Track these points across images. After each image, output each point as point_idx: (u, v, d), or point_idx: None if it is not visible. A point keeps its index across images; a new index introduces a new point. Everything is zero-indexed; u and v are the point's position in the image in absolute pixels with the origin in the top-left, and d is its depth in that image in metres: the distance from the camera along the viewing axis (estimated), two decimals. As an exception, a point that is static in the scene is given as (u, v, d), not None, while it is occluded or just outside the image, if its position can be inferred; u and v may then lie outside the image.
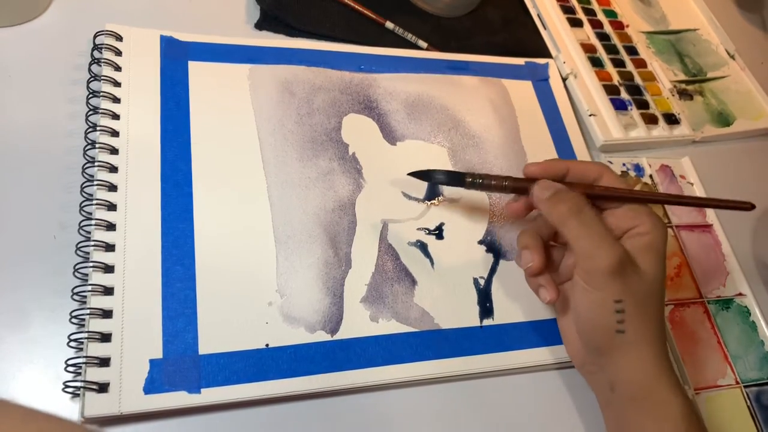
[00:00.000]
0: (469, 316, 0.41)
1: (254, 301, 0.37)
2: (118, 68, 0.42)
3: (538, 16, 0.60)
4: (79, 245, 0.36)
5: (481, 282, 0.43)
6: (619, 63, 0.60)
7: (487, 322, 0.42)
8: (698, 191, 0.55)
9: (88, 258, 0.35)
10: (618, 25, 0.64)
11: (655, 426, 0.35)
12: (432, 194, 0.45)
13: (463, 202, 0.46)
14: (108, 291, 0.35)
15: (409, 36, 0.54)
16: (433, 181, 0.43)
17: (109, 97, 0.41)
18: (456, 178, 0.40)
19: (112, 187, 0.38)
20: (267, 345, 0.36)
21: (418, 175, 0.42)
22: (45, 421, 0.26)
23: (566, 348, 0.41)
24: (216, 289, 0.37)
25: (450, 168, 0.47)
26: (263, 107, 0.44)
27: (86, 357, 0.33)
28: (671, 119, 0.58)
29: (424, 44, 0.54)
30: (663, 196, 0.38)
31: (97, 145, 0.39)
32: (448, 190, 0.46)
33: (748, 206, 0.39)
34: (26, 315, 0.35)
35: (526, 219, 0.42)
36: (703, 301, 0.49)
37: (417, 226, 0.44)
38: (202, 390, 0.34)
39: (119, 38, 0.43)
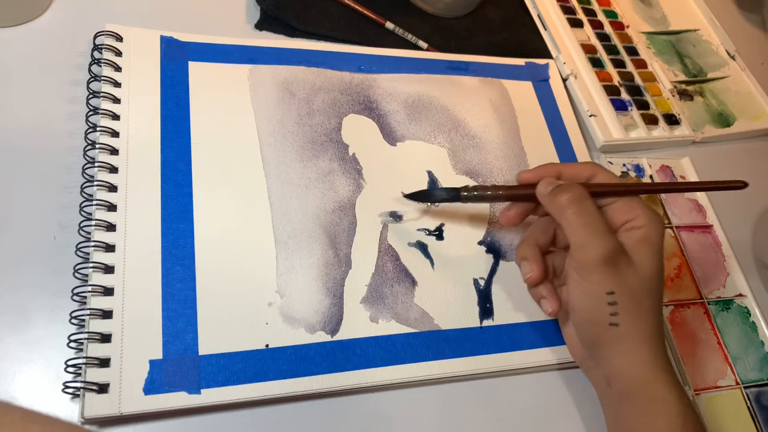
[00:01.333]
0: (469, 317, 0.41)
1: (254, 301, 0.37)
2: (118, 69, 0.42)
3: (539, 16, 0.60)
4: (79, 246, 0.36)
5: (481, 283, 0.43)
6: (619, 63, 0.60)
7: (487, 322, 0.42)
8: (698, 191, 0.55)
9: (88, 258, 0.35)
10: (618, 26, 0.64)
11: (650, 423, 0.35)
12: (432, 195, 0.45)
13: (463, 202, 0.46)
14: (108, 291, 0.35)
15: (410, 36, 0.54)
16: (431, 200, 0.43)
17: (110, 98, 0.41)
18: (452, 194, 0.41)
19: (112, 188, 0.38)
20: (267, 345, 0.36)
21: (414, 196, 0.42)
22: (45, 422, 0.26)
23: (567, 345, 0.41)
24: (216, 290, 0.37)
25: (450, 169, 0.47)
26: (263, 107, 0.44)
27: (86, 357, 0.33)
28: (671, 120, 0.58)
29: (424, 44, 0.54)
30: (656, 185, 0.38)
31: (97, 146, 0.39)
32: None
33: (741, 185, 0.39)
34: (26, 315, 0.35)
35: (522, 225, 0.43)
36: (703, 301, 0.49)
37: (417, 226, 0.44)
38: (202, 390, 0.34)
39: (119, 38, 0.43)
